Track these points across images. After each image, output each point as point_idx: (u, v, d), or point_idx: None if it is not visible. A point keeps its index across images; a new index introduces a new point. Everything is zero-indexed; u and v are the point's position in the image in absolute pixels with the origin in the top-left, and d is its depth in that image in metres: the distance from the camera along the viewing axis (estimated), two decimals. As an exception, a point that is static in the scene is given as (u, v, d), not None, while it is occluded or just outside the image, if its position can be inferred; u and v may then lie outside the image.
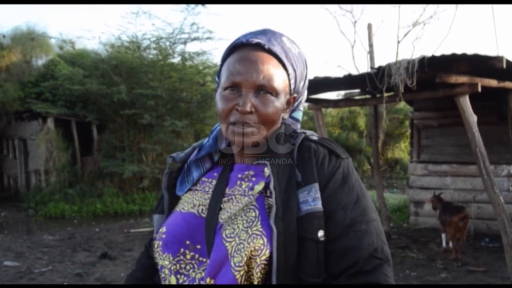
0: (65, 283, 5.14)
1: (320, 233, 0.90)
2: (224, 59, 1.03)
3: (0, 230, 8.68)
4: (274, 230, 0.87)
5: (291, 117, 1.09)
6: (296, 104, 1.08)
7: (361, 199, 0.95)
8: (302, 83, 1.06)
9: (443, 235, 6.11)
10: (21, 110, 12.30)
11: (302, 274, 0.89)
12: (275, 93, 0.97)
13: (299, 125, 1.11)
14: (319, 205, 0.91)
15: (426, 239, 6.83)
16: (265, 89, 0.96)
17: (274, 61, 0.98)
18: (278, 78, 0.97)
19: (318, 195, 0.92)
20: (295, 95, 1.05)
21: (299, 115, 1.12)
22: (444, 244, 6.14)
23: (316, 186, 0.93)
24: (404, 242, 6.63)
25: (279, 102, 0.98)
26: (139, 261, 1.19)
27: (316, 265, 0.90)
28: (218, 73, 1.06)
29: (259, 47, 0.98)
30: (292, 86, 1.03)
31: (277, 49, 0.99)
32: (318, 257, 0.90)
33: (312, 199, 0.92)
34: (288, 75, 1.00)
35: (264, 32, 1.02)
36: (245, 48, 0.98)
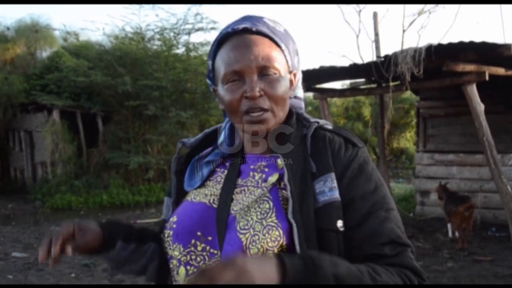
0: (73, 274, 5.18)
1: (339, 223, 0.89)
2: (214, 55, 0.99)
3: (8, 222, 8.74)
4: (294, 224, 0.86)
5: (294, 96, 1.06)
6: (295, 81, 1.06)
7: (380, 187, 0.94)
8: (296, 58, 1.03)
9: (449, 225, 6.10)
10: (26, 103, 12.30)
11: None
12: (278, 72, 0.94)
13: (303, 104, 1.09)
14: (336, 195, 0.90)
15: (432, 228, 6.82)
16: (267, 70, 0.93)
17: (266, 41, 0.95)
18: (276, 56, 0.95)
19: (335, 184, 0.90)
20: (295, 71, 1.02)
21: (300, 93, 1.09)
22: (450, 233, 6.13)
23: (332, 175, 0.91)
24: (410, 231, 6.62)
25: (285, 80, 0.96)
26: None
27: (338, 255, 0.88)
28: (209, 74, 1.03)
29: (247, 31, 0.95)
30: (290, 63, 0.99)
31: (264, 29, 0.96)
32: (339, 247, 0.89)
33: (328, 189, 0.90)
34: (283, 51, 0.97)
35: (245, 18, 0.99)
36: (233, 37, 0.95)
